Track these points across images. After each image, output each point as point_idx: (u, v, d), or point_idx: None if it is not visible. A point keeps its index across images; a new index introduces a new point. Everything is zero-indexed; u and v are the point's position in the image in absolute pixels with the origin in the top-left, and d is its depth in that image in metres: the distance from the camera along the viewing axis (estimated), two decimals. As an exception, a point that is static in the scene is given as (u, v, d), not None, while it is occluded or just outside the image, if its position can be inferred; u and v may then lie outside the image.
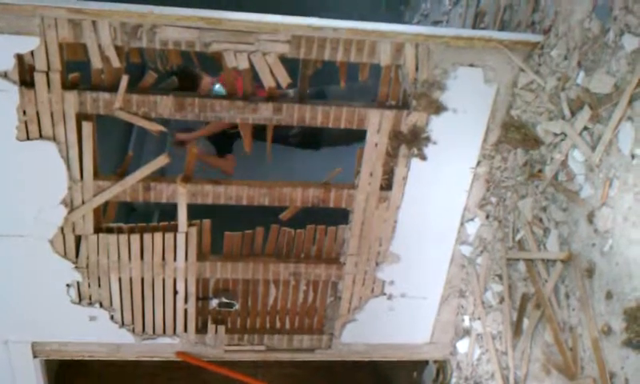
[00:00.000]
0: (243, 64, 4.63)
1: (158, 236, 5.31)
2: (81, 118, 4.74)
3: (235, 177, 6.80)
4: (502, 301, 5.32)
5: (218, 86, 6.58)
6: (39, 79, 4.52)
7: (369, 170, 5.17)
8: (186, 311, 5.73)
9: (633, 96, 3.79)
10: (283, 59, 4.68)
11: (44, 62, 4.48)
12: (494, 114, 5.06)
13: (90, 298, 5.51)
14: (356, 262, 5.61)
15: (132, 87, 4.71)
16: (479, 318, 5.65)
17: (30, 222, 5.05)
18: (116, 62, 4.56)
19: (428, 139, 5.07)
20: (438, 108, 4.94)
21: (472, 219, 5.53)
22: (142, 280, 5.51)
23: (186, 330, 5.83)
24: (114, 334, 5.73)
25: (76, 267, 5.32)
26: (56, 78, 4.54)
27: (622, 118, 3.88)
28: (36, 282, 5.35)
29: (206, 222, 5.39)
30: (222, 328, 5.88)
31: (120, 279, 5.46)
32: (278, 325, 6.04)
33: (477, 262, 5.62)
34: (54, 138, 4.74)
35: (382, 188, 5.27)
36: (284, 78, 4.74)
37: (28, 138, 4.71)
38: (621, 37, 3.88)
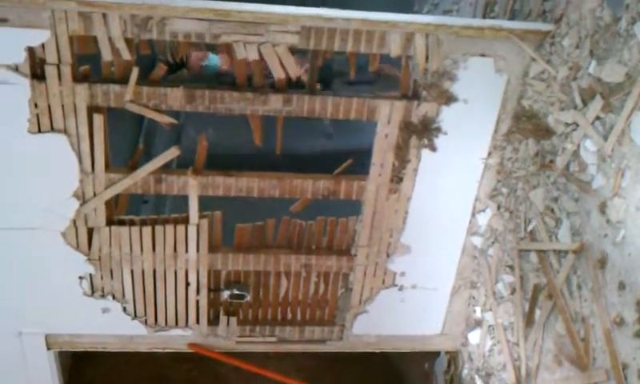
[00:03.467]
0: (252, 55, 4.63)
1: (169, 228, 5.33)
2: (92, 110, 4.77)
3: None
4: (513, 292, 5.31)
5: (211, 56, 6.44)
6: (50, 72, 4.54)
7: (379, 162, 5.16)
8: (197, 303, 5.75)
9: (645, 85, 3.77)
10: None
11: (55, 54, 4.50)
12: (505, 104, 5.04)
13: (103, 290, 5.55)
14: (367, 253, 5.60)
15: (142, 79, 4.73)
16: (491, 309, 5.63)
17: (41, 214, 5.08)
18: (126, 55, 4.57)
19: (438, 130, 5.05)
20: (449, 98, 4.92)
21: (483, 210, 5.51)
22: (154, 272, 5.53)
23: (198, 321, 5.86)
24: (127, 325, 5.76)
25: (88, 259, 5.35)
26: (67, 70, 4.56)
27: (635, 107, 3.85)
28: (49, 275, 5.39)
29: (217, 214, 5.41)
30: (233, 319, 5.90)
31: (132, 271, 5.49)
32: (290, 316, 6.05)
33: (488, 253, 5.60)
34: (65, 131, 4.77)
35: (392, 179, 5.26)
36: (293, 69, 4.74)
37: (40, 131, 4.74)
38: (633, 25, 3.85)
